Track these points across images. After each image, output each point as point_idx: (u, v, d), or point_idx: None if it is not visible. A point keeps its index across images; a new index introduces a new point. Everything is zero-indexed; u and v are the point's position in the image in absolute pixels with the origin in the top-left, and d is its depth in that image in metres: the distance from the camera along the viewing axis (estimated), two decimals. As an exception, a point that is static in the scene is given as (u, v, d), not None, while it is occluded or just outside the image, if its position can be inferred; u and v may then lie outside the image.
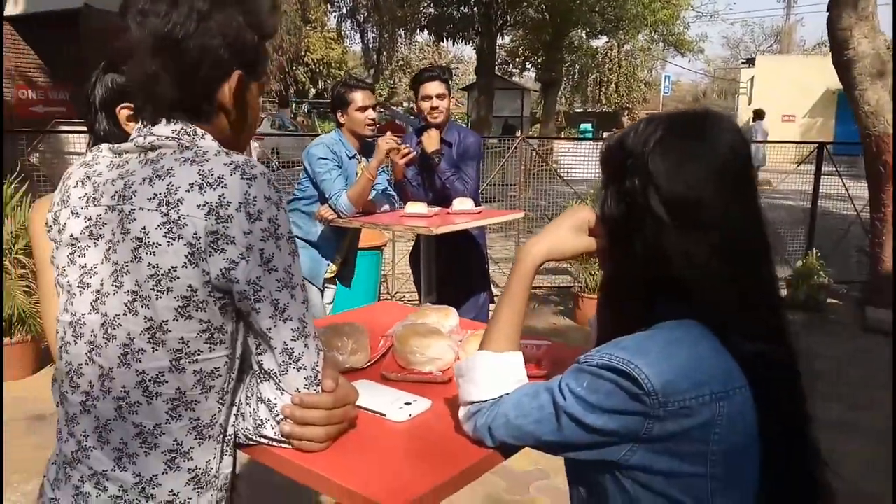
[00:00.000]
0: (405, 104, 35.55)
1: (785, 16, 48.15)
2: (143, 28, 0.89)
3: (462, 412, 1.00)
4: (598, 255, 0.99)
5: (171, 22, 0.88)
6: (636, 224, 0.87)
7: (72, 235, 0.94)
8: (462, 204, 3.18)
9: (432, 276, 3.11)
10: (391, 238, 5.82)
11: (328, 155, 3.06)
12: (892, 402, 3.27)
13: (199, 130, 0.94)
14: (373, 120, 3.15)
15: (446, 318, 1.44)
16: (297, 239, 3.21)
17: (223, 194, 0.86)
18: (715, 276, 0.85)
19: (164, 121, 0.93)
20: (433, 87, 3.31)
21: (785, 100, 25.96)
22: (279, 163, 7.97)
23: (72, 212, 0.95)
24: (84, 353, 0.93)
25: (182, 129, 0.93)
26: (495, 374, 0.97)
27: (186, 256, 0.85)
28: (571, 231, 1.00)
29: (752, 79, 27.90)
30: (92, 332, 0.92)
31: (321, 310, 3.22)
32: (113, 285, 0.90)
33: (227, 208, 0.85)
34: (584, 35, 20.38)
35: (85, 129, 1.38)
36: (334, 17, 23.73)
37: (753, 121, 13.08)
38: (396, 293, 6.06)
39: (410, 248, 3.79)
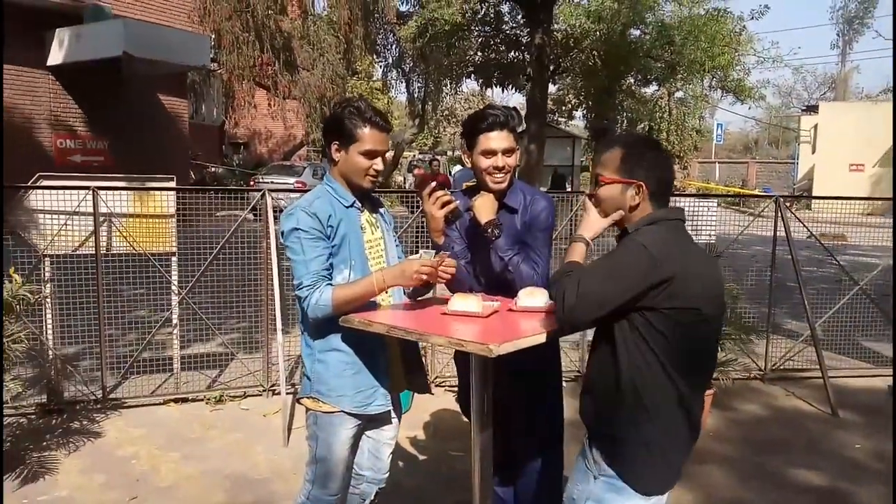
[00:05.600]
0: (449, 153, 35.05)
1: (840, 63, 46.68)
2: None
3: None
4: None
5: None
6: None
7: None
8: (531, 297, 2.16)
9: (487, 406, 2.08)
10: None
11: (303, 224, 2.10)
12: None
13: None
14: (377, 172, 2.21)
15: None
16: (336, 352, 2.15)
17: None
18: None
19: None
20: (498, 140, 2.34)
21: (851, 148, 24.32)
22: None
23: None
24: None
25: None
26: None
27: None
28: None
29: (815, 126, 26.41)
30: None
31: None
32: None
33: None
34: (634, 81, 19.52)
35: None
36: (380, 67, 23.45)
37: None
38: (436, 377, 5.02)
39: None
